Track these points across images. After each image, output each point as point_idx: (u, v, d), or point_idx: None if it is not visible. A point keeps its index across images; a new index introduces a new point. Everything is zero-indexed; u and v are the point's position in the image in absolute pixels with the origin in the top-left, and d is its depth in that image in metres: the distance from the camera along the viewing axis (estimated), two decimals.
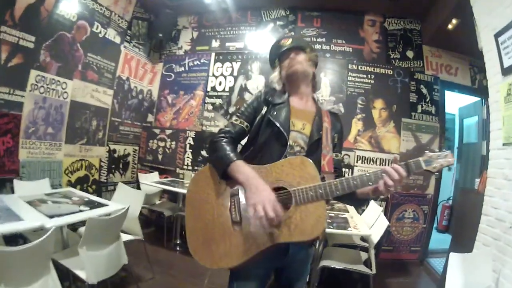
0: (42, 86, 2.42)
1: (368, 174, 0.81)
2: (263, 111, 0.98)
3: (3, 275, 1.12)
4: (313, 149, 0.96)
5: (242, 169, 0.84)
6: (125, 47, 3.24)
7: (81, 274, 1.49)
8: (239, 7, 3.35)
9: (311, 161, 0.86)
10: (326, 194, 0.81)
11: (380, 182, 0.80)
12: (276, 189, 0.85)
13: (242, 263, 0.83)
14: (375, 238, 1.99)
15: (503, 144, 1.71)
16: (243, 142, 1.03)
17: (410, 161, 0.80)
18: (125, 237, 1.91)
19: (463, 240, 2.10)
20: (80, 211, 1.71)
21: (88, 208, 1.77)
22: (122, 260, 1.75)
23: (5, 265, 1.10)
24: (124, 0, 3.15)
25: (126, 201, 2.00)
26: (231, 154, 0.87)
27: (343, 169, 2.82)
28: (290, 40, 1.05)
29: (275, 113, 0.96)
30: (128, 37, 3.28)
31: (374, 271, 1.93)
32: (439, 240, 3.41)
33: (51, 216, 1.51)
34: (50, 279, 1.29)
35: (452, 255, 1.49)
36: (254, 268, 0.88)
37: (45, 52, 2.41)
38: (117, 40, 3.14)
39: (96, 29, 2.88)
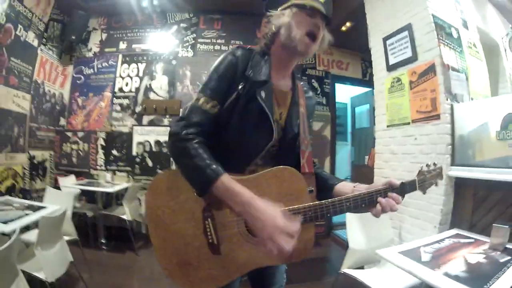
0: None
1: (362, 196, 1.11)
2: (240, 87, 1.15)
3: None
4: (289, 145, 1.25)
5: (230, 193, 1.00)
6: (41, 50, 4.85)
7: (39, 275, 2.28)
8: (146, 10, 5.34)
9: (300, 174, 1.15)
10: (316, 217, 1.09)
11: (376, 206, 1.09)
12: None
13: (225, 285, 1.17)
14: None
15: (387, 126, 3.27)
16: None
17: (406, 182, 1.15)
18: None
19: None
20: (27, 214, 2.61)
21: (32, 211, 2.69)
22: (68, 257, 2.71)
23: None
24: (44, 1, 4.75)
25: (57, 203, 3.03)
26: (212, 166, 1.02)
27: None
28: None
29: (261, 92, 1.15)
30: (44, 40, 4.92)
31: None
32: (342, 215, 5.75)
33: (5, 222, 2.29)
34: (21, 283, 1.95)
35: (348, 215, 2.52)
36: None
37: None
38: (35, 43, 4.70)
39: (19, 32, 4.28)
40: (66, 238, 2.96)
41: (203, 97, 1.12)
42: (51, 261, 2.46)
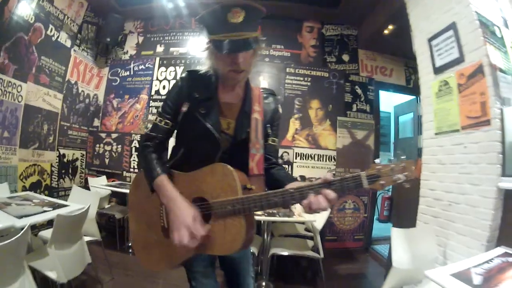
0: (0, 89, 3.60)
1: (292, 192, 1.09)
2: (185, 108, 1.32)
3: None
4: (239, 150, 1.33)
5: (163, 190, 1.25)
6: (74, 51, 4.83)
7: (51, 274, 2.19)
8: (183, 14, 5.18)
9: (232, 170, 1.19)
10: (244, 210, 1.14)
11: (304, 202, 1.06)
12: (198, 199, 1.25)
13: (174, 267, 1.35)
14: (319, 224, 3.14)
15: (435, 134, 2.96)
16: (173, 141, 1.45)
17: (349, 176, 1.03)
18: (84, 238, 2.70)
19: (403, 222, 3.26)
20: (45, 211, 2.49)
21: (51, 209, 2.58)
22: (86, 259, 2.60)
23: None
24: (76, 3, 4.76)
25: (81, 202, 2.87)
26: (156, 169, 1.28)
27: (284, 166, 4.57)
28: (242, 18, 1.12)
29: (203, 111, 1.30)
30: (78, 41, 4.90)
31: (322, 255, 3.05)
32: (381, 229, 5.38)
33: (19, 217, 2.21)
34: (27, 280, 1.90)
35: (394, 230, 2.34)
36: (198, 257, 1.36)
37: (4, 54, 3.57)
38: (68, 44, 4.69)
39: (50, 32, 4.29)
40: (88, 238, 2.91)
41: (159, 117, 1.37)
42: (65, 262, 2.32)
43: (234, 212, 1.15)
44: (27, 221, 2.10)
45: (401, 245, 2.32)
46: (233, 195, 1.16)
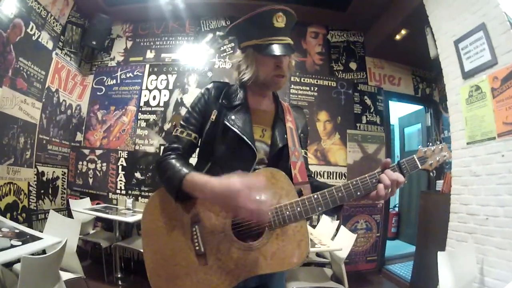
0: None
1: (356, 183, 1.02)
2: (213, 116, 1.21)
3: None
4: (277, 159, 1.22)
5: (198, 186, 1.02)
6: (56, 54, 4.31)
7: None
8: (177, 16, 4.73)
9: (283, 172, 1.09)
10: (306, 212, 1.02)
11: (374, 192, 1.02)
12: None
13: None
14: (344, 253, 2.87)
15: (467, 143, 2.80)
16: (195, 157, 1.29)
17: (403, 161, 1.06)
18: (63, 275, 2.33)
19: (430, 241, 3.22)
20: (12, 246, 2.09)
21: (21, 243, 2.18)
22: None
23: None
24: (62, 1, 4.28)
25: (60, 232, 2.53)
26: (182, 169, 1.07)
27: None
28: (284, 24, 1.15)
29: (233, 117, 1.20)
30: (60, 44, 4.39)
31: (347, 287, 2.82)
32: (391, 247, 5.03)
33: None
34: None
35: (440, 253, 2.31)
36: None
37: None
38: (50, 45, 4.17)
39: (31, 30, 3.80)
40: (69, 276, 2.51)
41: (179, 128, 1.23)
42: None
43: (295, 217, 1.03)
44: None
45: (447, 271, 2.28)
46: (289, 199, 1.06)
